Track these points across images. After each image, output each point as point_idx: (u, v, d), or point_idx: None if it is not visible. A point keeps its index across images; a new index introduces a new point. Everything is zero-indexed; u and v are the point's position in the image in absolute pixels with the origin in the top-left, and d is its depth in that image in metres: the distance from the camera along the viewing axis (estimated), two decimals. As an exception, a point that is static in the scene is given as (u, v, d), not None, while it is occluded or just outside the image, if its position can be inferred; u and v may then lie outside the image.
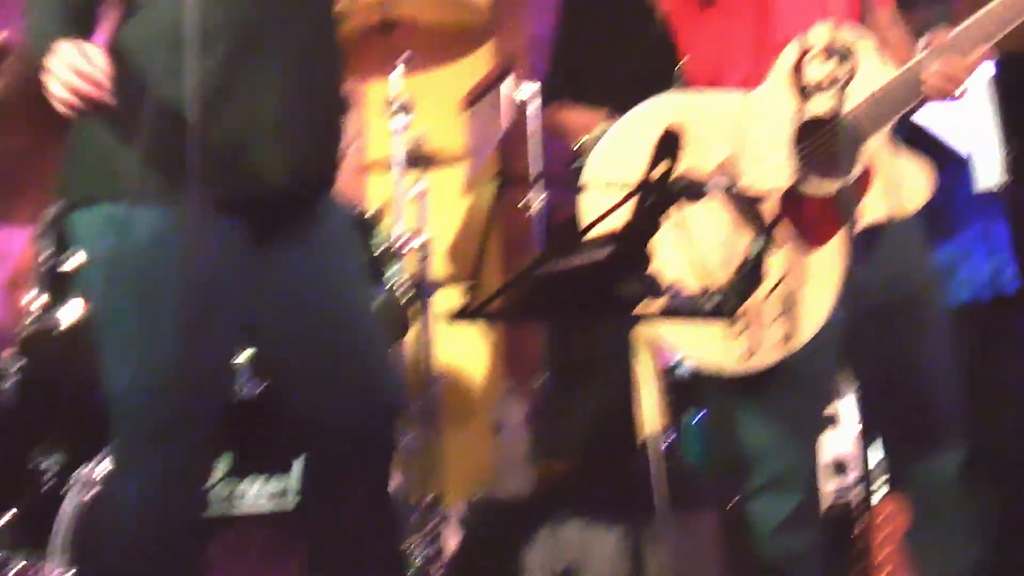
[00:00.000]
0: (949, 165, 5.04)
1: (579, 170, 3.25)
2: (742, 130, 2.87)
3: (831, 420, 3.93)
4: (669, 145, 2.19)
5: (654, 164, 2.18)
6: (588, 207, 2.79)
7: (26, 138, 3.44)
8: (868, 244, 2.76)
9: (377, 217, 3.89)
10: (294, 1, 2.56)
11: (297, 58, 2.53)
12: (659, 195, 2.21)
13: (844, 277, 2.79)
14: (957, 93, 2.81)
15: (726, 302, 2.32)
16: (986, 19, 2.81)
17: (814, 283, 2.81)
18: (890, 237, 2.86)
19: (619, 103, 3.06)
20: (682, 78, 3.51)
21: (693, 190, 2.27)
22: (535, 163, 4.41)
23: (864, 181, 2.81)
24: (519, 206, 4.39)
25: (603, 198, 2.46)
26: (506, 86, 4.39)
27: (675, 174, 2.19)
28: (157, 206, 2.39)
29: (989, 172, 4.01)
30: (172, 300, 2.30)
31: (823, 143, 2.82)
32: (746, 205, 2.72)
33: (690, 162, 2.48)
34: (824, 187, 2.80)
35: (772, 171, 2.83)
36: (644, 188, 2.19)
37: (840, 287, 2.81)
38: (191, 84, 2.21)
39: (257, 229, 2.53)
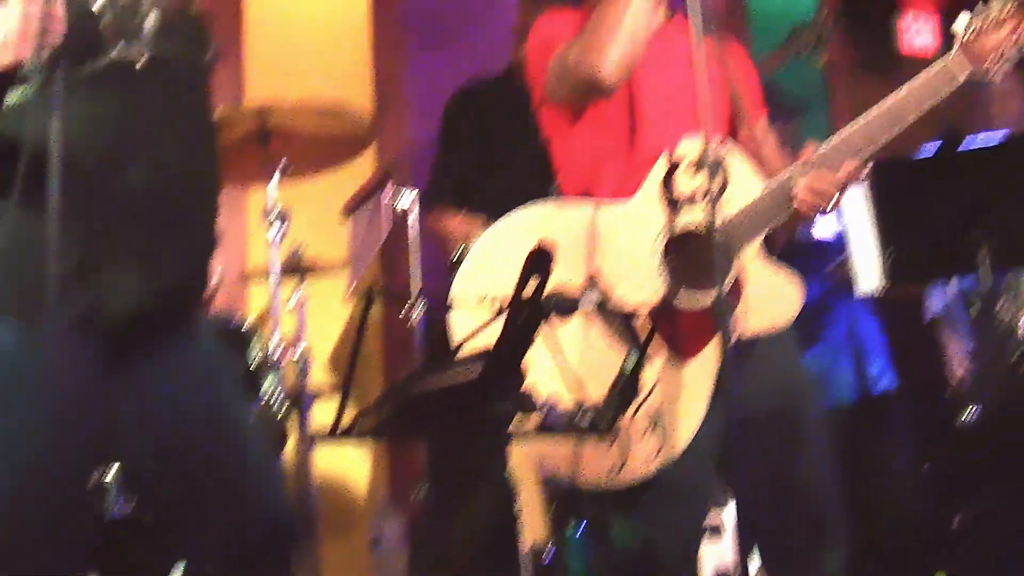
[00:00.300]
0: (813, 268, 5.15)
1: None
2: (612, 242, 2.89)
3: (714, 530, 3.92)
4: (540, 261, 2.19)
5: (525, 280, 2.17)
6: (458, 322, 2.79)
7: None
8: (741, 355, 2.77)
9: (255, 327, 3.84)
10: (163, 118, 2.54)
11: (163, 177, 2.49)
12: (531, 312, 2.20)
13: (718, 388, 2.80)
14: (827, 208, 2.85)
15: (601, 417, 2.31)
16: (855, 135, 2.88)
17: (687, 395, 2.82)
18: (763, 347, 2.88)
19: (498, 212, 3.07)
20: (558, 190, 3.54)
21: (564, 306, 2.27)
22: (415, 273, 4.40)
23: (736, 294, 2.83)
24: (400, 317, 4.37)
25: (475, 312, 2.46)
26: (387, 194, 4.39)
27: (547, 290, 2.19)
28: (14, 320, 2.33)
29: (868, 276, 4.06)
30: (27, 416, 2.25)
31: (694, 256, 2.83)
32: (619, 320, 2.71)
33: (561, 274, 2.49)
34: (696, 300, 2.82)
35: (643, 284, 2.85)
36: (516, 305, 2.18)
37: (713, 398, 2.81)
38: (52, 202, 2.17)
39: (118, 347, 2.45)
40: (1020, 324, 4.60)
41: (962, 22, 2.95)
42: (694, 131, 2.78)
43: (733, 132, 3.03)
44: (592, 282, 2.83)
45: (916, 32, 7.64)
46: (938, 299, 5.06)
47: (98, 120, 2.44)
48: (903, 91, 2.90)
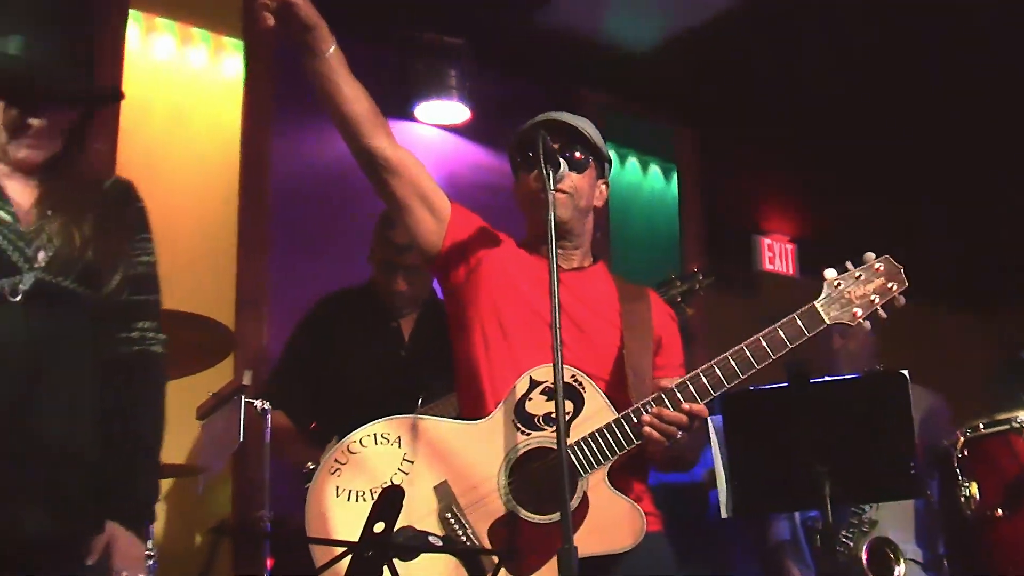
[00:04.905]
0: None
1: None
2: (462, 457, 2.95)
3: None
4: (390, 503, 2.26)
5: (375, 519, 2.23)
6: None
7: None
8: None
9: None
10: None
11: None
12: (378, 550, 2.25)
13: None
14: (674, 440, 2.93)
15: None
16: (710, 378, 2.98)
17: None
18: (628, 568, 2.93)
19: (345, 421, 3.11)
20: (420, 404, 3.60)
21: (411, 545, 2.33)
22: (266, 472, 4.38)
23: (579, 516, 2.88)
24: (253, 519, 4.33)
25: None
26: (241, 399, 4.38)
27: (395, 528, 2.26)
28: None
29: (725, 502, 4.14)
30: None
31: (541, 476, 2.89)
32: (467, 556, 2.76)
33: (408, 487, 2.54)
34: (538, 517, 2.88)
35: (488, 498, 2.90)
36: (364, 541, 2.24)
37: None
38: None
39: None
40: (862, 556, 4.70)
41: (833, 271, 3.10)
42: (590, 355, 3.00)
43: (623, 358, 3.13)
44: (437, 491, 2.89)
45: (774, 255, 7.93)
46: (783, 527, 5.14)
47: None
48: (768, 334, 3.03)
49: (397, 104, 6.12)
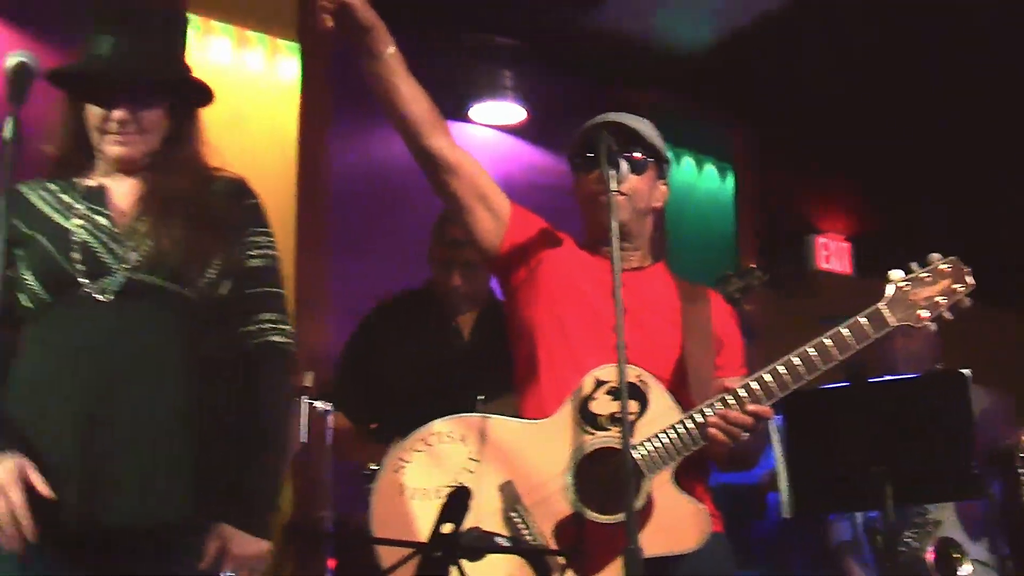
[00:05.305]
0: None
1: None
2: (527, 457, 2.96)
3: None
4: (457, 504, 2.28)
5: (443, 520, 2.26)
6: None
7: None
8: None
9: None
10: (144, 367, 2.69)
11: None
12: (445, 551, 2.28)
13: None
14: (738, 441, 2.92)
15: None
16: (773, 381, 2.97)
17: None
18: (689, 569, 2.93)
19: (407, 421, 3.12)
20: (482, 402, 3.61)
21: (478, 546, 2.35)
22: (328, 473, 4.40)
23: (643, 516, 2.88)
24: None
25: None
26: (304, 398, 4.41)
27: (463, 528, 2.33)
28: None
29: (786, 503, 4.14)
30: None
31: (606, 476, 2.89)
32: (533, 556, 2.77)
33: (474, 487, 2.55)
34: (603, 517, 2.88)
35: (553, 497, 2.91)
36: (433, 542, 2.26)
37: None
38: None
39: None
40: (928, 556, 4.67)
41: (899, 272, 3.07)
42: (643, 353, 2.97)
43: (685, 359, 3.13)
44: (501, 491, 2.91)
45: (829, 254, 7.88)
46: (844, 527, 5.12)
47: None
48: (833, 335, 3.01)
49: (452, 105, 6.14)
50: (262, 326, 2.89)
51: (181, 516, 2.65)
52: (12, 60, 2.58)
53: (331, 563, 4.42)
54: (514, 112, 6.53)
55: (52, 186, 2.88)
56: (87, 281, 2.71)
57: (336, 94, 5.75)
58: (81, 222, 2.78)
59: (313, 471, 4.83)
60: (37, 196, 2.86)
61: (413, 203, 4.99)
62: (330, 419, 4.33)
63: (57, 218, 2.80)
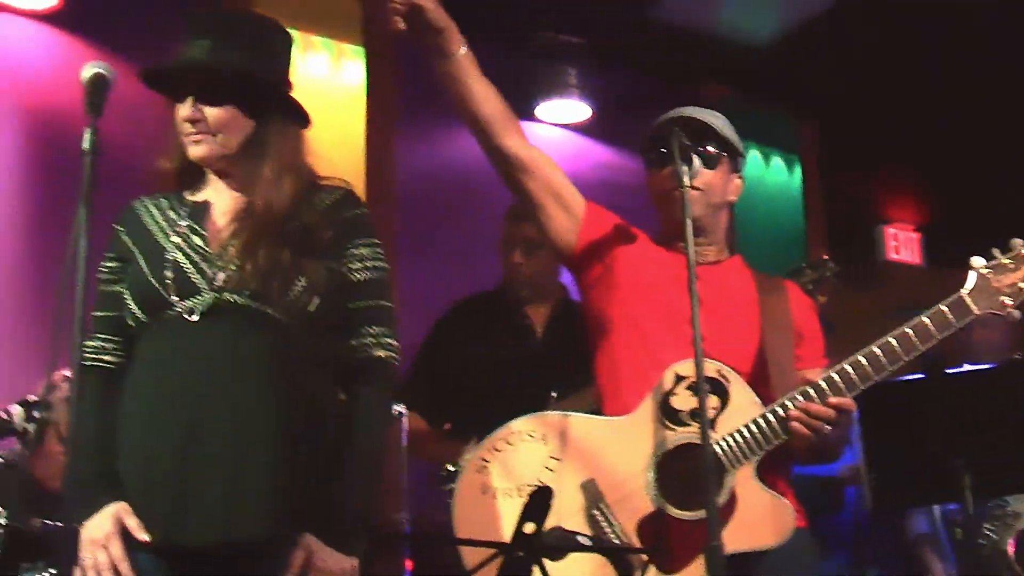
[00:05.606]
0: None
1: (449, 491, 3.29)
2: (608, 454, 2.96)
3: None
4: (539, 503, 2.29)
5: (525, 519, 2.26)
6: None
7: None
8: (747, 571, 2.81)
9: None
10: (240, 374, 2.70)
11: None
12: (528, 551, 2.28)
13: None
14: (822, 434, 2.90)
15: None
16: (854, 372, 2.95)
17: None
18: (774, 564, 2.91)
19: (483, 421, 3.13)
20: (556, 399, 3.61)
21: (561, 546, 2.35)
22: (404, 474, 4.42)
23: (726, 511, 2.87)
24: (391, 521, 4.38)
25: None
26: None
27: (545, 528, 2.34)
28: None
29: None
30: None
31: (688, 472, 2.88)
32: (614, 553, 2.77)
33: (555, 485, 2.58)
34: (686, 514, 2.86)
35: (635, 494, 2.90)
36: (515, 542, 2.27)
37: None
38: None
39: None
40: (1008, 548, 4.62)
41: (980, 259, 3.02)
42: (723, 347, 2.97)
43: (763, 351, 3.11)
44: (583, 489, 2.91)
45: (898, 244, 7.81)
46: (922, 520, 5.09)
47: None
48: (915, 324, 2.96)
49: (518, 104, 6.10)
50: (364, 340, 2.85)
51: (268, 532, 2.64)
52: (89, 71, 2.57)
53: (408, 564, 4.44)
54: (580, 110, 6.53)
55: (164, 201, 2.91)
56: (177, 301, 2.73)
57: (402, 97, 5.77)
58: (179, 240, 2.80)
59: (388, 473, 4.84)
60: (146, 212, 2.89)
61: (480, 203, 5.01)
62: (404, 420, 4.35)
63: (158, 236, 2.82)
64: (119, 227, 2.89)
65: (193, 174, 2.91)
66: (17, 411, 3.89)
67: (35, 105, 5.43)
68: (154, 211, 2.89)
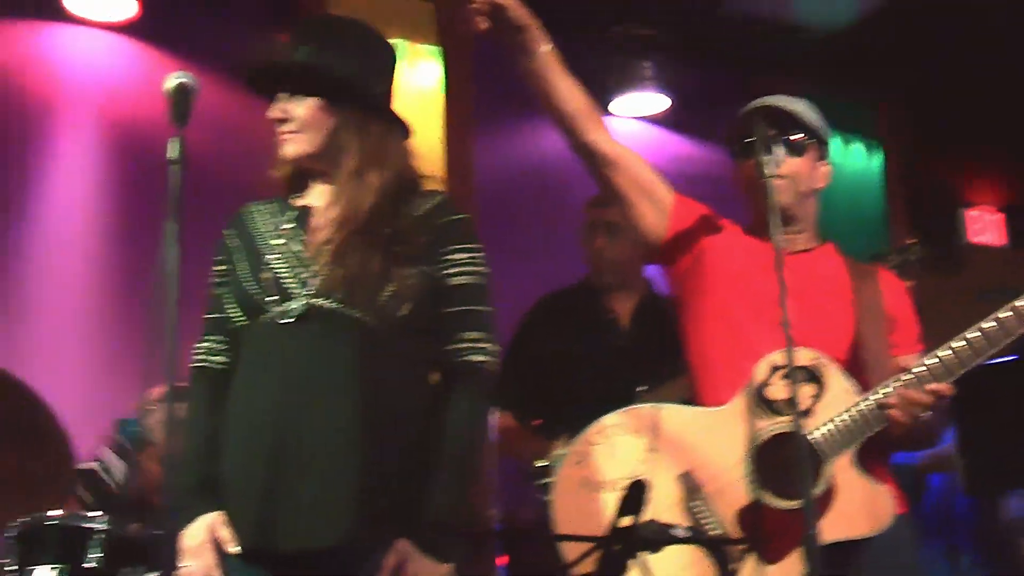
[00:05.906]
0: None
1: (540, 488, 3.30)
2: (703, 446, 2.96)
3: None
4: (635, 497, 2.29)
5: (621, 512, 2.27)
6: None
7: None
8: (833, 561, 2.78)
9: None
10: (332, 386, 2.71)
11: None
12: (625, 544, 2.29)
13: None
14: (921, 420, 2.88)
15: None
16: (951, 358, 2.92)
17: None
18: (875, 552, 2.89)
19: (572, 416, 3.13)
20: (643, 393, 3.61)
21: (657, 539, 2.36)
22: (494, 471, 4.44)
23: (826, 500, 2.85)
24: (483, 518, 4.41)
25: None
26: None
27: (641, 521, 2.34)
28: None
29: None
30: None
31: (784, 462, 2.86)
32: (710, 545, 2.76)
33: (652, 478, 2.61)
34: (784, 503, 2.85)
35: (732, 485, 2.91)
36: (612, 535, 2.27)
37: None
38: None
39: None
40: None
41: None
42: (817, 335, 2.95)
43: (858, 341, 3.10)
44: (681, 480, 2.92)
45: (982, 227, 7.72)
46: (1017, 505, 5.03)
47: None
48: (1011, 308, 2.93)
49: (595, 99, 6.13)
50: (460, 346, 2.83)
51: (358, 537, 2.64)
52: (172, 81, 2.58)
53: (501, 560, 4.46)
54: (657, 102, 6.52)
55: (271, 206, 2.95)
56: (273, 304, 2.76)
57: (479, 97, 5.79)
58: (280, 244, 2.83)
59: (479, 470, 4.87)
60: (252, 218, 2.93)
61: (559, 200, 5.03)
62: (494, 418, 4.36)
63: (261, 240, 2.86)
64: (228, 231, 2.94)
65: (301, 179, 2.94)
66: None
67: (115, 116, 5.52)
68: (261, 216, 2.93)
